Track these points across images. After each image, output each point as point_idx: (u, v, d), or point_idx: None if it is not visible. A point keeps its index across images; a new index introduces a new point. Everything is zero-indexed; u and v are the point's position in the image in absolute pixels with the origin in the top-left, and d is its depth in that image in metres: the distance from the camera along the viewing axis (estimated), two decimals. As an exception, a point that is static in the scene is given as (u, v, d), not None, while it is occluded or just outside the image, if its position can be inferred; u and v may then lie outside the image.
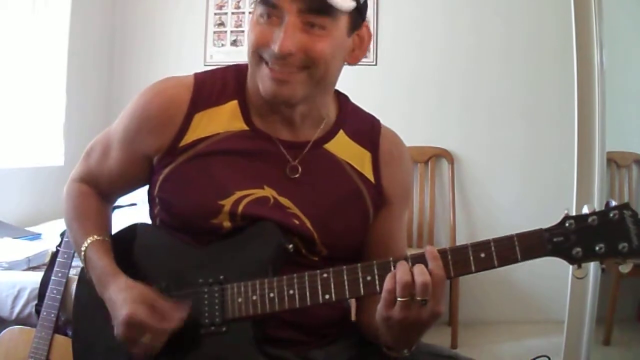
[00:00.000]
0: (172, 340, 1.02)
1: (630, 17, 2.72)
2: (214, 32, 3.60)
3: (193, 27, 3.61)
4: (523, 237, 0.92)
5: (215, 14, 3.61)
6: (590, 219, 0.90)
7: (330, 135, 1.14)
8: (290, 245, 1.06)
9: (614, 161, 2.89)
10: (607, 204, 0.90)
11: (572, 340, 2.21)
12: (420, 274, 0.91)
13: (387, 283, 0.93)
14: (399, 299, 0.92)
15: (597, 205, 2.12)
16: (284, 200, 1.09)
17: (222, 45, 3.60)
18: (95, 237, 1.13)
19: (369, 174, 1.14)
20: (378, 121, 1.21)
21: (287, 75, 1.01)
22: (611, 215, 0.89)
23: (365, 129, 1.18)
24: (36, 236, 2.47)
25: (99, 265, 1.10)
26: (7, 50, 2.86)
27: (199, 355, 1.02)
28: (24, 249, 2.20)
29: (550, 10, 3.18)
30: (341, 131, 1.15)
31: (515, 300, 3.31)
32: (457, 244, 3.51)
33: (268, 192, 1.08)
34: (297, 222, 1.08)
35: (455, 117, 3.40)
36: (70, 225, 1.20)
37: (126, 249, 1.12)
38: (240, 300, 1.01)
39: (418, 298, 0.91)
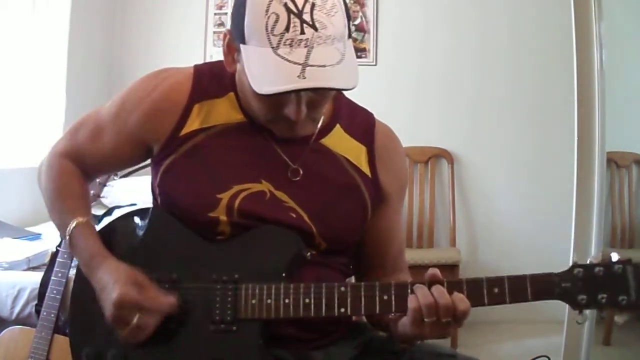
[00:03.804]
0: (179, 334, 1.03)
1: (630, 17, 2.72)
2: (214, 32, 3.59)
3: (193, 27, 3.61)
4: (535, 279, 0.97)
5: (215, 14, 3.61)
6: (596, 270, 0.95)
7: (326, 130, 1.14)
8: (309, 254, 1.07)
9: (614, 161, 2.89)
10: (611, 258, 0.96)
11: (572, 340, 2.21)
12: (441, 296, 0.95)
13: (412, 302, 0.96)
14: (426, 319, 0.94)
15: (597, 207, 2.13)
16: (280, 194, 1.09)
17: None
18: (80, 219, 1.13)
19: (365, 168, 1.15)
20: (372, 115, 1.21)
21: (299, 129, 1.06)
22: (615, 268, 0.95)
23: (360, 123, 1.18)
24: (36, 236, 2.46)
25: (86, 247, 1.10)
26: (7, 50, 2.86)
27: (206, 351, 1.03)
28: (24, 249, 2.20)
29: (554, 11, 3.16)
30: (337, 126, 1.16)
31: (515, 300, 3.30)
32: (457, 244, 3.51)
33: (265, 186, 1.09)
34: (294, 215, 1.08)
35: (454, 117, 3.40)
36: (53, 204, 1.20)
37: (137, 232, 1.13)
38: (254, 301, 1.01)
39: (443, 320, 0.94)
